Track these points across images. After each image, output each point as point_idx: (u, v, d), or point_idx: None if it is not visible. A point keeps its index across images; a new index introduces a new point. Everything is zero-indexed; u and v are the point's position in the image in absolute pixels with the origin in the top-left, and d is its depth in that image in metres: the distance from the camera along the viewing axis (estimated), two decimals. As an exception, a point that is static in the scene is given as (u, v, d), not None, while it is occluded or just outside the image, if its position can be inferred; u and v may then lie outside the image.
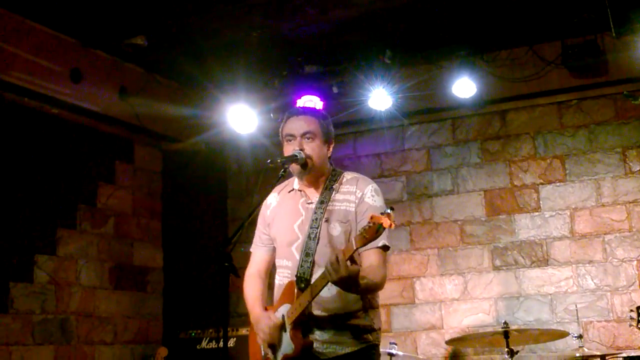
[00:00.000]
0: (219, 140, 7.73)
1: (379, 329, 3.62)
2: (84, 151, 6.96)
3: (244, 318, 7.33)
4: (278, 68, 7.09)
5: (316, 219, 3.53)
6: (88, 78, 6.49)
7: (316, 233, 3.49)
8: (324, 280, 3.25)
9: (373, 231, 3.04)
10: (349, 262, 3.15)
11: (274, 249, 3.79)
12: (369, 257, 3.45)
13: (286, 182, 3.75)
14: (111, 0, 5.83)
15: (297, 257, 3.54)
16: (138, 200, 7.58)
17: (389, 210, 3.03)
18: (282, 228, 3.69)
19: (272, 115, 7.12)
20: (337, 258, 3.11)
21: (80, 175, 6.91)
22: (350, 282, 3.16)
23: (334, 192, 3.60)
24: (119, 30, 6.30)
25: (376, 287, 3.46)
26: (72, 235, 6.75)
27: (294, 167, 3.59)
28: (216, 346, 6.56)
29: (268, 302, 3.75)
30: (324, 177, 3.67)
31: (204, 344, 6.67)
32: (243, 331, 6.45)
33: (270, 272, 3.89)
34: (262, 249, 3.85)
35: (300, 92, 6.84)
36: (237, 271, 3.22)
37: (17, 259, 6.19)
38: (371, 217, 3.05)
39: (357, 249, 3.11)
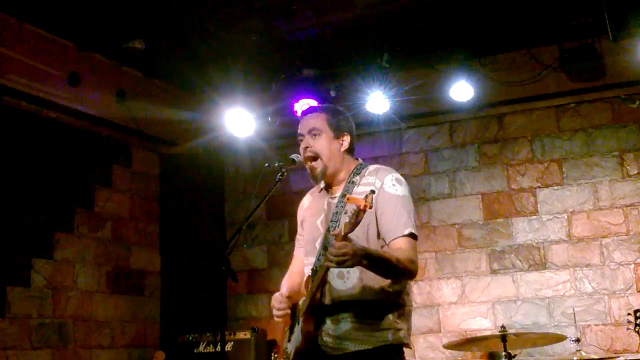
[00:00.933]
0: (217, 143, 7.73)
1: (402, 329, 3.41)
2: (82, 155, 6.95)
3: (242, 322, 7.35)
4: (276, 72, 7.10)
5: (336, 212, 3.48)
6: (86, 82, 6.49)
7: (335, 227, 3.41)
8: (322, 270, 3.21)
9: (355, 215, 2.99)
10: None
11: None
12: (396, 244, 3.35)
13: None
14: (109, 4, 5.83)
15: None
16: (135, 204, 7.58)
17: (371, 193, 2.97)
18: (308, 227, 3.69)
19: (269, 118, 7.13)
20: (332, 245, 3.05)
21: (78, 179, 6.90)
22: (353, 255, 3.03)
23: (355, 185, 3.55)
24: (117, 34, 6.29)
25: (397, 263, 3.24)
26: (70, 239, 6.74)
27: (308, 171, 3.61)
28: (214, 350, 6.55)
29: None
30: (346, 171, 3.64)
31: (201, 347, 6.66)
32: (240, 335, 6.45)
33: None
34: (300, 250, 3.84)
35: (297, 96, 6.85)
36: (235, 275, 3.21)
37: (14, 262, 6.18)
38: (347, 199, 3.03)
39: (345, 234, 3.03)
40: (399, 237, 3.35)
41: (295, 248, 3.90)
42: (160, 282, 7.74)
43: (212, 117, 7.27)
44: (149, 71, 7.05)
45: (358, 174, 3.61)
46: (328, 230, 3.45)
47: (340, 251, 3.01)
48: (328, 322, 3.37)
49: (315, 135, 3.59)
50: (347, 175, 3.62)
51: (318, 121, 3.62)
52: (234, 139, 7.35)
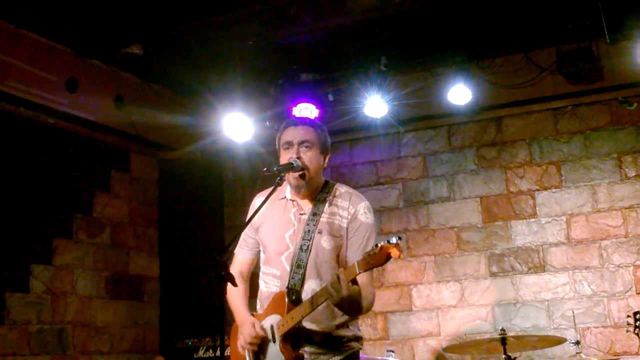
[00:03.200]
0: (215, 148, 7.73)
1: (362, 336, 3.67)
2: (80, 160, 6.95)
3: (241, 326, 7.34)
4: (274, 76, 7.11)
5: (309, 230, 3.52)
6: (84, 87, 6.49)
7: (308, 245, 3.49)
8: (321, 298, 3.24)
9: (379, 259, 3.02)
10: (350, 283, 3.14)
11: (257, 253, 3.77)
12: (361, 276, 3.31)
13: (272, 187, 3.71)
14: (107, 10, 5.83)
15: (287, 267, 3.52)
16: (134, 209, 7.57)
17: (398, 240, 3.00)
18: (272, 236, 3.66)
19: (267, 123, 7.13)
20: (338, 278, 3.10)
21: (76, 185, 6.90)
22: (351, 302, 3.18)
23: (327, 205, 3.58)
24: (114, 40, 6.30)
25: (370, 307, 3.50)
26: (68, 245, 6.73)
27: (293, 180, 3.57)
28: (213, 355, 6.55)
29: (250, 307, 3.73)
30: (317, 189, 3.65)
31: (200, 352, 6.66)
32: (240, 340, 6.44)
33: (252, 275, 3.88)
34: (246, 252, 3.82)
35: (296, 100, 6.85)
36: (234, 280, 3.21)
37: (13, 269, 6.17)
38: (380, 247, 3.01)
39: (359, 273, 3.10)
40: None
41: (242, 249, 3.83)
42: (159, 287, 7.73)
43: (211, 122, 7.28)
44: (147, 76, 7.06)
45: (327, 193, 3.63)
46: (301, 249, 3.50)
47: (352, 297, 3.14)
48: (303, 340, 3.46)
49: (307, 147, 3.60)
50: (316, 192, 3.64)
51: (310, 134, 3.64)
52: (233, 144, 7.35)
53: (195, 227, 7.85)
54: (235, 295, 3.74)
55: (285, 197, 3.68)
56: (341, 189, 3.68)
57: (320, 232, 3.51)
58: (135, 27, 6.14)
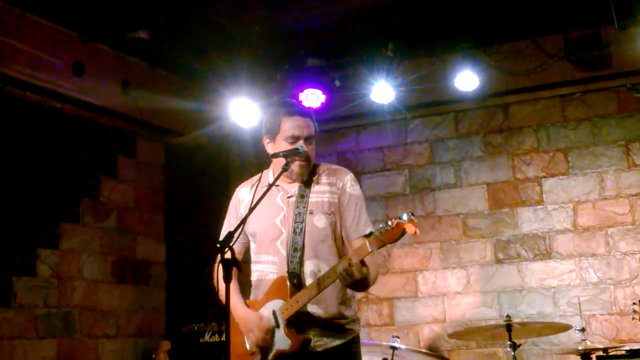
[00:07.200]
0: (222, 134, 7.72)
1: (360, 318, 3.70)
2: (87, 145, 6.96)
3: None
4: (280, 61, 7.08)
5: (299, 212, 3.53)
6: (90, 72, 6.48)
7: (301, 227, 3.50)
8: (329, 279, 3.26)
9: (394, 235, 3.07)
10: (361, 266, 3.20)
11: (245, 245, 3.77)
12: (358, 243, 3.38)
13: (257, 176, 3.71)
14: (113, -6, 5.83)
15: (284, 252, 3.53)
16: (141, 194, 7.58)
17: (411, 216, 3.05)
18: (262, 224, 3.64)
19: (274, 108, 7.11)
20: (349, 263, 3.15)
21: (83, 169, 6.90)
22: (362, 283, 3.27)
23: (313, 184, 3.60)
24: (121, 24, 6.29)
25: (375, 280, 3.52)
26: (75, 229, 6.75)
27: (296, 167, 3.56)
28: (219, 339, 6.57)
29: (245, 297, 3.73)
30: None
31: (206, 337, 6.68)
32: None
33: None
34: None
35: (302, 86, 6.83)
36: (240, 264, 3.22)
37: (20, 253, 6.19)
38: (397, 224, 3.06)
39: (371, 252, 3.14)
40: (360, 236, 3.49)
41: None
42: (165, 271, 7.75)
43: (217, 107, 7.26)
44: (153, 61, 7.04)
45: (311, 174, 3.64)
46: (295, 232, 3.50)
47: (365, 279, 3.23)
48: (306, 322, 3.47)
49: (310, 141, 3.61)
50: None
51: (313, 128, 3.65)
52: (239, 129, 7.33)
53: (201, 213, 7.85)
54: (239, 298, 3.74)
55: (268, 184, 3.58)
56: (323, 167, 3.70)
57: (311, 213, 3.52)
58: (143, 12, 6.13)
